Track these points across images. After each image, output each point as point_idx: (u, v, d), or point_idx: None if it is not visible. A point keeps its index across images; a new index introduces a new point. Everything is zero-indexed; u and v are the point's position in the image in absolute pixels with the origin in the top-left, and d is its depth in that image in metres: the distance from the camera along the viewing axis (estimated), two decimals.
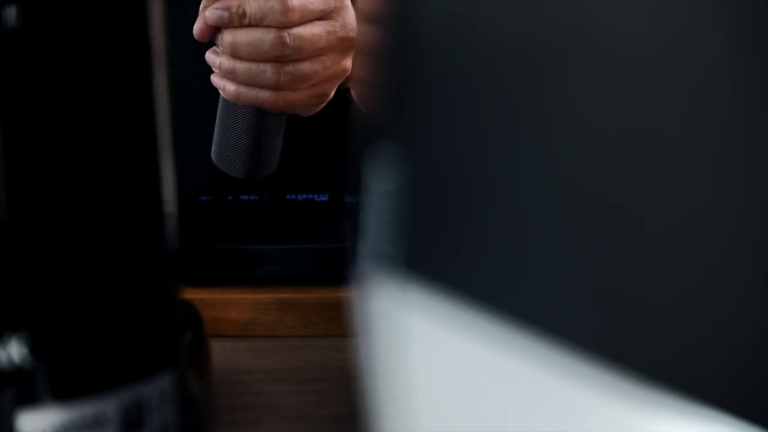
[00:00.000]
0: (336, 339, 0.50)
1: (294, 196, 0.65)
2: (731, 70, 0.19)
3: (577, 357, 0.20)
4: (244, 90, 0.58)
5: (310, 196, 0.65)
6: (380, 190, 0.22)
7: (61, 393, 0.26)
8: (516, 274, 0.20)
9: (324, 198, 0.65)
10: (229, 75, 0.58)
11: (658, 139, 0.19)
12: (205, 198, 0.66)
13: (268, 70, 0.56)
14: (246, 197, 0.66)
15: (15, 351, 0.26)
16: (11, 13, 0.25)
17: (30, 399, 0.26)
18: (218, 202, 0.65)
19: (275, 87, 0.57)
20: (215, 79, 0.60)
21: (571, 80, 0.20)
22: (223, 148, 0.62)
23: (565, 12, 0.20)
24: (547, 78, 0.20)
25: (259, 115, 0.60)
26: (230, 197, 0.66)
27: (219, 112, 0.62)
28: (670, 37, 0.19)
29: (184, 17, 0.70)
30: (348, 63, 0.60)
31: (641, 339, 0.20)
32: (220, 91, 0.61)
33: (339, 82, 0.61)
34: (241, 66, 0.57)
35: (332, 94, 0.61)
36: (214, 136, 0.62)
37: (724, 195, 0.19)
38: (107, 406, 0.27)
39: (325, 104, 0.62)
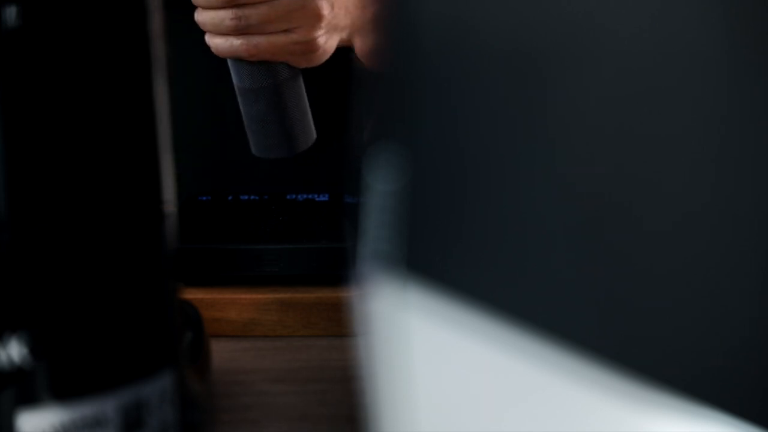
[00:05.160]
0: (336, 339, 0.50)
1: (294, 196, 0.65)
2: (731, 70, 0.19)
3: (577, 357, 0.20)
4: (219, 41, 0.58)
5: (310, 196, 0.65)
6: (380, 190, 0.22)
7: (61, 393, 0.26)
8: (516, 274, 0.21)
9: (324, 198, 0.65)
10: (204, 28, 0.58)
11: (658, 138, 0.19)
12: (205, 198, 0.66)
13: (226, 17, 0.57)
14: (246, 197, 0.66)
15: (15, 351, 0.26)
16: (11, 13, 0.25)
17: (30, 399, 0.26)
18: (218, 202, 0.65)
19: (239, 32, 0.57)
20: (207, 39, 0.60)
21: (571, 80, 0.20)
22: (256, 136, 0.62)
23: (565, 11, 0.20)
24: (546, 77, 0.20)
25: (273, 89, 0.59)
26: (230, 197, 0.66)
27: (240, 104, 0.61)
28: (670, 37, 0.19)
29: (184, 17, 0.70)
30: (321, 5, 0.58)
31: (641, 339, 0.20)
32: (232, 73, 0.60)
33: (319, 27, 0.59)
34: (205, 16, 0.58)
35: (324, 42, 0.60)
36: (247, 131, 0.62)
37: (723, 194, 0.19)
38: (107, 406, 0.27)
39: (320, 54, 0.60)
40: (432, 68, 0.21)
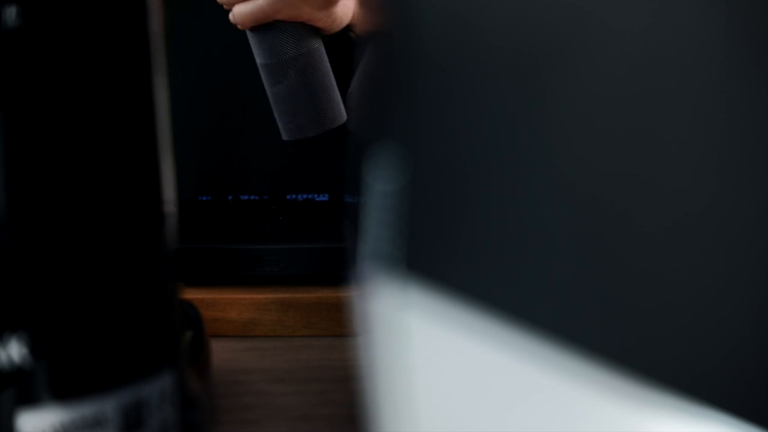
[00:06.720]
0: (336, 339, 0.50)
1: (294, 196, 0.65)
2: (731, 70, 0.19)
3: (577, 357, 0.20)
4: (245, 7, 0.58)
5: (310, 196, 0.65)
6: (380, 190, 0.22)
7: (61, 393, 0.26)
8: (515, 274, 0.20)
9: (324, 198, 0.65)
10: None
11: (658, 138, 0.19)
12: (205, 198, 0.66)
13: None
14: (246, 197, 0.66)
15: (15, 351, 0.26)
16: (11, 13, 0.25)
17: (30, 399, 0.26)
18: (218, 202, 0.65)
19: None
20: (231, 18, 0.60)
21: (571, 78, 0.20)
22: (286, 116, 0.61)
23: (565, 10, 0.20)
24: (546, 76, 0.20)
25: (299, 59, 0.59)
26: (230, 197, 0.66)
27: (266, 86, 0.61)
28: (670, 36, 0.19)
29: (184, 17, 0.70)
30: None
31: (641, 339, 0.20)
32: (250, 40, 0.60)
33: None
34: None
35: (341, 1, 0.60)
36: (276, 115, 0.62)
37: (724, 194, 0.19)
38: (107, 406, 0.27)
39: (339, 13, 0.60)
40: (432, 66, 0.21)
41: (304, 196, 0.65)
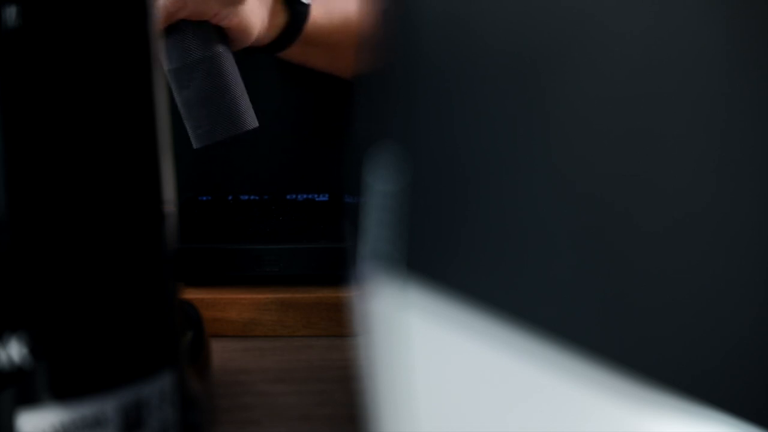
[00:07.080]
0: (336, 339, 0.50)
1: (294, 196, 0.65)
2: (731, 70, 0.19)
3: (577, 357, 0.20)
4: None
5: (310, 196, 0.65)
6: (380, 190, 0.22)
7: (61, 393, 0.26)
8: (515, 274, 0.21)
9: (324, 198, 0.65)
10: None
11: (658, 138, 0.19)
12: (205, 198, 0.66)
13: None
14: (246, 197, 0.66)
15: (15, 351, 0.26)
16: (11, 13, 0.25)
17: (30, 399, 0.26)
18: (218, 202, 0.65)
19: None
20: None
21: (570, 79, 0.20)
22: (198, 121, 0.60)
23: (564, 11, 0.20)
24: (545, 77, 0.20)
25: (208, 61, 0.58)
26: (230, 197, 0.66)
27: (176, 92, 0.60)
28: (670, 37, 0.19)
29: None
30: None
31: (641, 339, 0.20)
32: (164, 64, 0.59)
33: None
34: None
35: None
36: (185, 122, 0.60)
37: (724, 194, 0.19)
38: (107, 406, 0.27)
39: (242, 12, 0.59)
40: (432, 68, 0.21)
41: (304, 196, 0.65)
